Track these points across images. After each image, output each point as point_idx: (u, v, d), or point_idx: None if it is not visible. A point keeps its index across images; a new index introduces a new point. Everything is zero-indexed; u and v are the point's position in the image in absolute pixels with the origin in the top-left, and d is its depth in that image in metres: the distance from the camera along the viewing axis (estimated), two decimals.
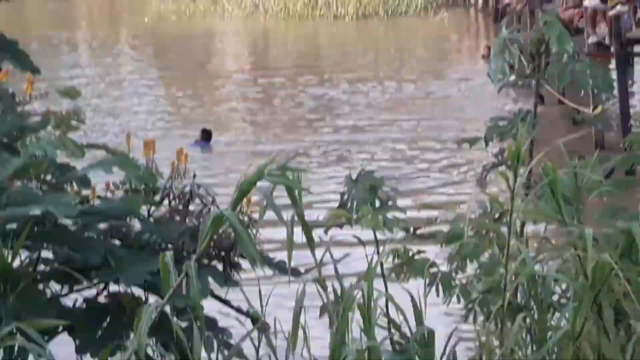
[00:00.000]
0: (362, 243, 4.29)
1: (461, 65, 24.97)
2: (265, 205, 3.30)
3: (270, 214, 3.44)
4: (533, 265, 3.49)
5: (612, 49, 14.84)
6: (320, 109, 20.00)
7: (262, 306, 4.09)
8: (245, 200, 4.31)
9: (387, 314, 3.77)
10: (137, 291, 4.19)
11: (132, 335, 3.44)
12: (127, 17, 39.16)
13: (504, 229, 4.27)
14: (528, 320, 3.62)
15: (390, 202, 4.95)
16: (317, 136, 17.53)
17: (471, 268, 4.42)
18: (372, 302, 3.48)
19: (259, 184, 3.38)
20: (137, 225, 4.45)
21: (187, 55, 28.69)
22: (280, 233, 3.47)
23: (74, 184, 4.31)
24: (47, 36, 32.23)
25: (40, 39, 30.59)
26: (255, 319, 4.11)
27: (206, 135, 16.58)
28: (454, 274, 4.54)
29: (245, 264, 4.43)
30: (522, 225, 4.70)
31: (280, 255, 4.47)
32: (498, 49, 5.21)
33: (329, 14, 35.45)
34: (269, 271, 4.31)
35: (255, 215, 4.45)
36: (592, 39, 16.11)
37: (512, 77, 5.41)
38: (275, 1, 36.98)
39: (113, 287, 4.18)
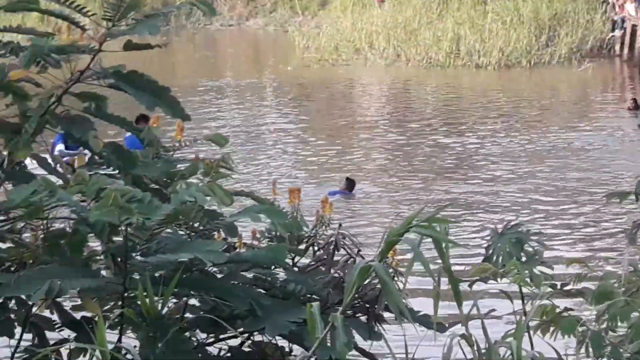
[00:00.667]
0: (509, 298, 4.21)
1: (606, 118, 24.52)
2: (413, 257, 3.27)
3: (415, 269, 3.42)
4: None
5: None
6: (461, 160, 19.89)
7: None
8: (391, 252, 4.29)
9: None
10: (281, 341, 4.18)
11: None
12: (272, 65, 39.80)
13: None
14: None
15: (536, 257, 4.87)
16: (458, 187, 17.40)
17: (622, 328, 4.30)
18: None
19: (406, 235, 3.35)
20: (281, 274, 4.46)
21: (328, 104, 28.97)
22: (421, 284, 3.45)
23: (222, 232, 4.34)
24: (194, 84, 32.95)
25: (187, 87, 31.31)
26: None
27: (350, 184, 16.68)
28: (603, 334, 4.41)
29: (389, 316, 4.38)
30: None
31: (423, 308, 4.43)
32: None
33: (470, 63, 35.38)
34: (413, 325, 4.26)
35: (400, 268, 4.42)
36: None
37: None
38: (417, 50, 37.09)
39: (257, 337, 4.18)
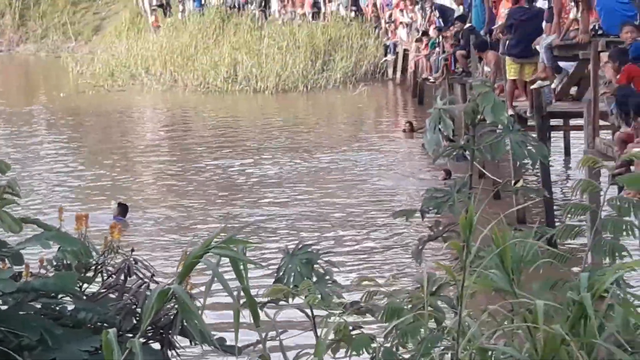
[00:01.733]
0: (308, 317, 4.23)
1: (382, 139, 25.12)
2: (211, 278, 3.22)
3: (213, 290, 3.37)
4: (482, 340, 3.44)
5: (534, 122, 15.06)
6: (243, 182, 19.93)
7: None
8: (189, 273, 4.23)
9: None
10: None
11: None
12: (44, 92, 38.87)
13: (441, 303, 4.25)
14: None
15: (327, 277, 4.91)
16: (242, 209, 17.43)
17: (413, 343, 4.36)
18: None
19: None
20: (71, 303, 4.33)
21: (103, 130, 28.54)
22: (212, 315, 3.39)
23: (7, 261, 4.18)
24: None
25: None
26: None
27: (122, 210, 16.38)
28: (395, 349, 4.47)
29: (184, 342, 4.32)
30: (457, 299, 4.67)
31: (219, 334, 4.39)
32: (433, 119, 5.22)
33: (248, 87, 35.62)
34: (210, 348, 4.21)
35: (195, 291, 4.37)
36: (510, 112, 16.36)
37: (447, 148, 5.41)
38: (194, 75, 37.07)
39: None
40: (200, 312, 3.83)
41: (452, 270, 3.37)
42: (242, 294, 3.39)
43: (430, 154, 5.23)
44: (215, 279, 3.24)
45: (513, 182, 6.94)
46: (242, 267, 3.39)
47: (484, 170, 6.30)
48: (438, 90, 5.49)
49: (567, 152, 20.32)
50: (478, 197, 5.19)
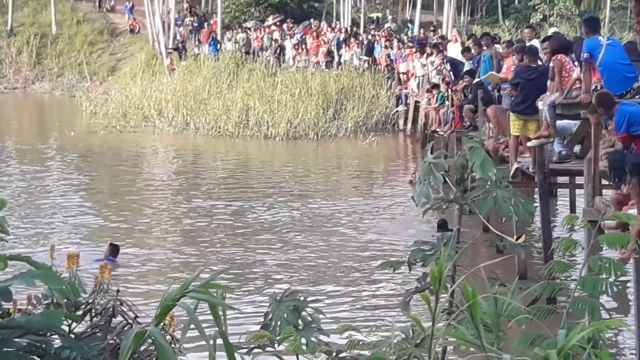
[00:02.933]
0: None
1: (390, 189, 25.22)
2: (188, 322, 3.30)
3: (192, 335, 3.44)
4: None
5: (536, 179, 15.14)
6: (247, 226, 20.01)
7: None
8: (168, 318, 4.30)
9: None
10: None
11: None
12: (57, 130, 39.12)
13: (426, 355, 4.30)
14: None
15: (313, 324, 4.96)
16: (241, 253, 17.49)
17: None
18: None
19: (182, 300, 3.38)
20: (57, 341, 4.39)
21: (113, 169, 28.69)
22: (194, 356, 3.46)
23: None
24: None
25: None
26: None
27: (114, 250, 16.43)
28: None
29: None
30: (444, 351, 4.73)
31: None
32: (423, 172, 5.30)
33: (259, 133, 35.81)
34: None
35: (178, 333, 4.43)
36: (515, 166, 16.47)
37: (436, 201, 5.47)
38: (206, 119, 37.29)
39: None
40: (178, 353, 3.91)
41: (420, 322, 3.44)
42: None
43: (418, 206, 5.30)
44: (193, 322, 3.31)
45: (515, 237, 6.99)
46: (221, 311, 3.46)
47: (488, 224, 6.37)
48: (429, 144, 5.52)
49: (572, 209, 20.37)
50: (480, 251, 5.25)
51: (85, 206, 22.29)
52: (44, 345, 4.25)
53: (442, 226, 17.07)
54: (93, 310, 4.78)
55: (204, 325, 3.35)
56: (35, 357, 4.22)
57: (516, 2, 70.38)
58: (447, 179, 5.31)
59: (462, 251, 5.27)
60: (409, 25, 56.07)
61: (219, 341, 3.49)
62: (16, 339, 4.16)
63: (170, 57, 50.51)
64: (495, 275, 5.21)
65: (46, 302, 4.68)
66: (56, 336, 4.38)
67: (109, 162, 30.33)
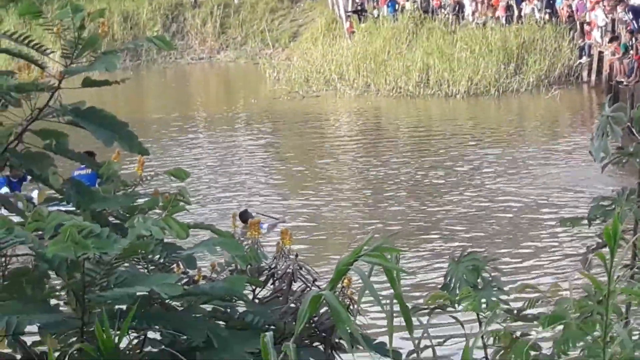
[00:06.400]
0: (461, 324, 4.29)
1: (574, 144, 24.73)
2: (362, 287, 3.34)
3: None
4: (632, 348, 3.44)
5: None
6: (424, 184, 20.00)
7: None
8: (345, 280, 4.37)
9: None
10: None
11: None
12: (243, 97, 39.92)
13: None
14: None
15: (493, 283, 4.95)
16: (417, 213, 17.47)
17: (575, 351, 4.36)
18: None
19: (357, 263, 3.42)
20: (241, 307, 4.51)
21: (299, 135, 29.09)
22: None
23: (181, 264, 4.40)
24: (165, 117, 33.04)
25: (157, 121, 31.38)
26: None
27: (243, 216, 16.38)
28: (556, 357, 4.48)
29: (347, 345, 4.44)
30: (628, 307, 4.64)
31: (382, 339, 4.49)
32: (601, 126, 5.19)
33: (440, 92, 35.63)
34: (368, 353, 4.33)
35: (356, 297, 4.49)
36: None
37: (614, 156, 5.36)
38: (387, 80, 37.33)
39: None
40: (356, 314, 3.98)
41: (596, 280, 3.39)
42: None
43: (596, 161, 5.20)
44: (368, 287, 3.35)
45: None
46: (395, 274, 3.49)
47: None
48: (608, 96, 5.33)
49: None
50: None
51: (274, 173, 22.70)
52: (228, 310, 4.38)
53: None
54: (275, 275, 4.89)
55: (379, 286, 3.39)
56: (220, 322, 4.36)
57: None
58: (634, 130, 5.19)
59: None
60: None
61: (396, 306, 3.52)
62: (202, 305, 4.30)
63: (350, 20, 50.64)
64: None
65: (230, 268, 4.80)
66: (240, 302, 4.51)
67: (294, 128, 30.75)
